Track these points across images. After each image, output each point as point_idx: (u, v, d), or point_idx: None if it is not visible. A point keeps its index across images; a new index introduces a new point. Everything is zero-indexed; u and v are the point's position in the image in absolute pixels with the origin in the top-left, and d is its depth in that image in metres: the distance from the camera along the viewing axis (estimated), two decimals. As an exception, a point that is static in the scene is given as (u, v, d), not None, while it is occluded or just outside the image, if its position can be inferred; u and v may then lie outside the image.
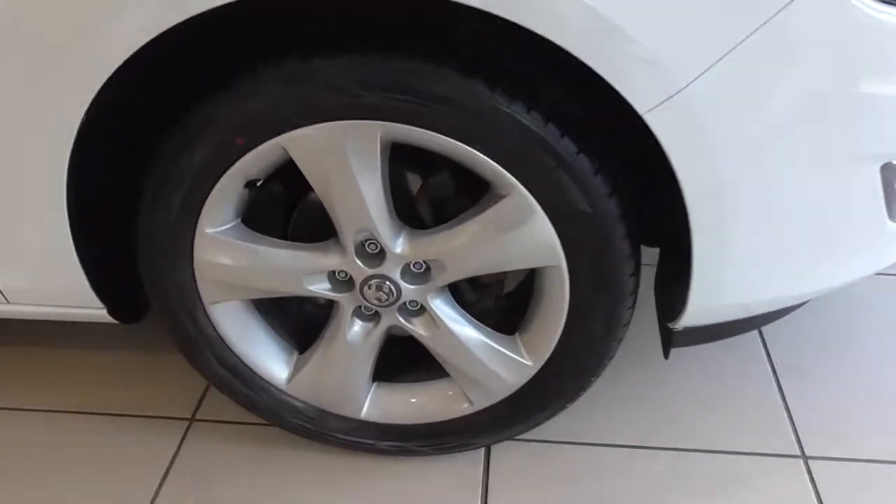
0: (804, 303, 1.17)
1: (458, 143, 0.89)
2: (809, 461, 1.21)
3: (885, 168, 0.96)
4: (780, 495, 1.16)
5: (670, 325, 1.08)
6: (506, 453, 1.23)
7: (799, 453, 1.23)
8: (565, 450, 1.23)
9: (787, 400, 1.31)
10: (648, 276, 1.13)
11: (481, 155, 0.90)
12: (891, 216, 1.01)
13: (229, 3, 0.78)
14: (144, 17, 0.80)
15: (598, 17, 0.77)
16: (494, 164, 0.90)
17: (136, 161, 1.02)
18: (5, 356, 1.45)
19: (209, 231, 1.00)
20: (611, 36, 0.78)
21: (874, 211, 0.98)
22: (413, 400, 1.17)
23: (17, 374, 1.41)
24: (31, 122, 0.88)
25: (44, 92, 0.86)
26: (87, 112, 0.86)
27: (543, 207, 0.93)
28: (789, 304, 1.12)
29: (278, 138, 0.91)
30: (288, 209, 1.09)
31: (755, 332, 1.44)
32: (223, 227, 1.01)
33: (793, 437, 1.25)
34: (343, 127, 0.89)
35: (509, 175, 0.91)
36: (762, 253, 0.98)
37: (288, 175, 1.00)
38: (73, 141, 0.89)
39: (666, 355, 1.16)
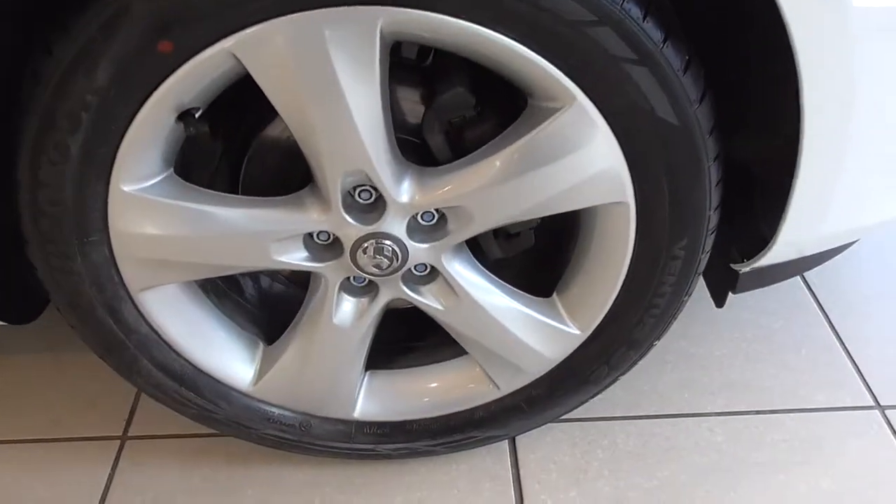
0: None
1: (492, 33, 0.61)
2: (886, 411, 1.03)
3: None
4: (864, 450, 0.97)
5: (736, 267, 0.85)
6: (536, 441, 0.98)
7: (873, 404, 1.04)
8: (607, 428, 1.00)
9: (849, 348, 1.12)
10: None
11: (526, 50, 0.62)
12: None
13: None
14: None
15: None
16: (545, 62, 0.63)
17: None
18: None
19: (127, 189, 0.69)
20: None
21: None
22: (419, 389, 0.91)
23: None
24: None
25: None
26: None
27: (610, 121, 0.66)
28: (880, 226, 0.92)
29: (226, 41, 0.60)
30: (236, 152, 0.79)
31: (799, 281, 1.24)
32: (148, 183, 0.70)
33: (863, 388, 1.06)
34: (326, 17, 0.59)
35: (566, 78, 0.64)
36: (873, 170, 0.75)
37: (234, 103, 0.71)
38: None
39: (721, 303, 0.94)
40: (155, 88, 0.63)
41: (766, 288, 0.97)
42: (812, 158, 0.70)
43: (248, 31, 0.60)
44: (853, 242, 0.99)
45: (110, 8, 0.59)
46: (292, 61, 0.62)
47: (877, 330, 1.15)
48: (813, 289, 1.22)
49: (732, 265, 0.87)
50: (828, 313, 1.18)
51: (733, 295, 0.92)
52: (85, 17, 0.60)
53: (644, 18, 0.62)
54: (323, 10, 0.59)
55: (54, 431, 1.02)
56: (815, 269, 1.02)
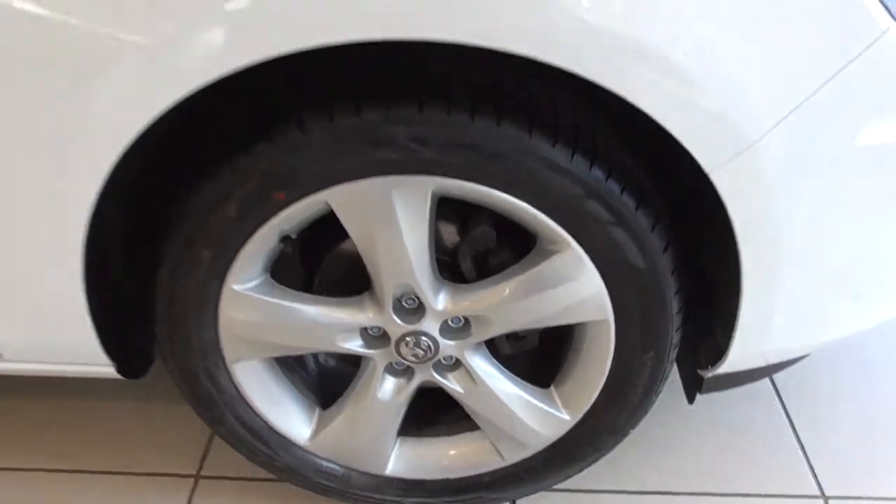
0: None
1: (513, 198, 0.85)
2: (830, 501, 1.22)
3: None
4: (806, 537, 1.16)
5: (701, 372, 1.07)
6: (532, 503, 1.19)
7: (819, 494, 1.23)
8: (592, 499, 1.21)
9: (803, 442, 1.32)
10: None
11: (537, 211, 0.86)
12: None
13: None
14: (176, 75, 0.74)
15: (671, 69, 0.74)
16: (549, 220, 0.87)
17: (151, 217, 0.95)
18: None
19: (237, 288, 0.93)
20: (683, 89, 0.76)
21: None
22: (440, 454, 1.13)
23: (6, 432, 1.30)
24: (54, 178, 0.81)
25: (67, 154, 0.79)
26: (112, 171, 0.79)
27: (596, 263, 0.90)
28: (811, 351, 1.12)
29: (323, 193, 0.85)
30: (311, 260, 1.03)
31: (766, 379, 1.45)
32: (252, 284, 0.94)
33: (811, 479, 1.25)
34: (395, 181, 0.84)
35: (563, 231, 0.88)
36: (807, 299, 0.97)
37: (313, 224, 0.95)
38: (94, 198, 0.81)
39: (691, 401, 1.15)
40: (267, 221, 0.88)
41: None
42: (751, 288, 0.91)
43: (338, 187, 0.84)
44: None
45: (245, 168, 0.84)
46: (367, 208, 0.86)
47: (831, 423, 1.35)
48: (775, 382, 1.43)
49: (698, 370, 1.08)
50: (786, 406, 1.38)
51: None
52: (227, 171, 0.85)
53: (621, 192, 0.86)
54: (392, 176, 0.84)
55: (137, 467, 1.25)
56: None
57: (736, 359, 1.01)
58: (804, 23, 0.77)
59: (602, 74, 0.74)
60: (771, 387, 1.43)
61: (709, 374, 1.06)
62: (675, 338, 0.99)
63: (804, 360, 1.29)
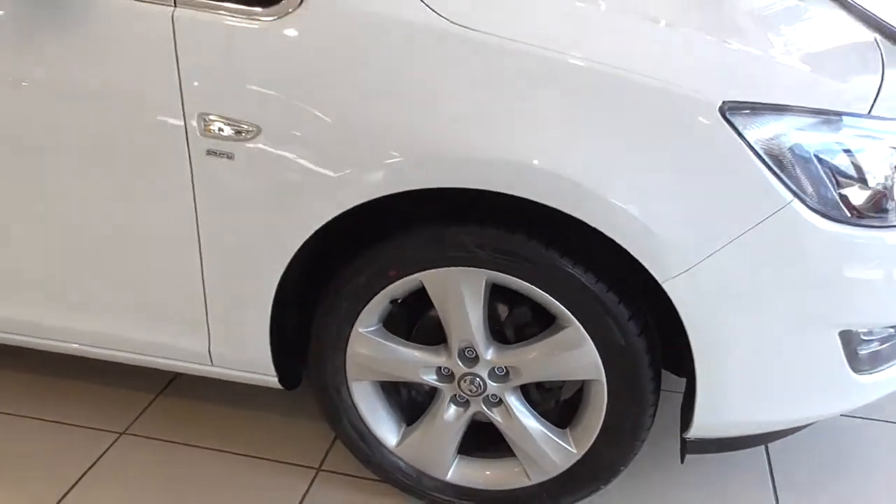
0: (806, 426, 1.50)
1: (539, 290, 1.33)
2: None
3: (844, 333, 1.34)
4: None
5: (684, 436, 1.45)
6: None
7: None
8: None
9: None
10: (677, 399, 1.51)
11: (554, 300, 1.33)
12: (854, 369, 1.38)
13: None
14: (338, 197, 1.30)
15: (634, 219, 1.21)
16: (562, 306, 1.33)
17: (314, 280, 1.50)
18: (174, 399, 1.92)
19: (361, 330, 1.46)
20: (645, 233, 1.22)
21: (836, 363, 1.36)
22: (486, 471, 1.57)
23: (178, 412, 1.88)
24: (270, 247, 1.38)
25: (277, 236, 1.36)
26: (303, 245, 1.35)
27: (592, 339, 1.35)
28: (779, 429, 1.47)
29: (418, 274, 1.37)
30: (412, 319, 1.54)
31: (762, 447, 1.77)
32: (371, 329, 1.46)
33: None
34: (463, 271, 1.34)
35: (571, 315, 1.34)
36: (749, 385, 1.35)
37: (414, 296, 1.46)
38: (287, 262, 1.37)
39: (682, 460, 1.52)
40: (383, 289, 1.40)
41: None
42: (703, 370, 1.32)
43: (428, 272, 1.36)
44: (801, 427, 1.50)
45: (373, 255, 1.38)
46: (445, 287, 1.37)
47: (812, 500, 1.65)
48: (769, 452, 1.74)
49: (682, 434, 1.47)
50: (774, 476, 1.69)
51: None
52: (362, 257, 1.39)
53: (608, 290, 1.31)
54: (461, 267, 1.34)
55: (268, 454, 1.76)
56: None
57: (702, 426, 1.40)
58: (726, 194, 1.23)
59: (594, 219, 1.22)
60: (764, 456, 1.75)
61: (687, 436, 1.44)
62: (652, 398, 1.40)
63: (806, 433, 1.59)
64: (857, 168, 1.31)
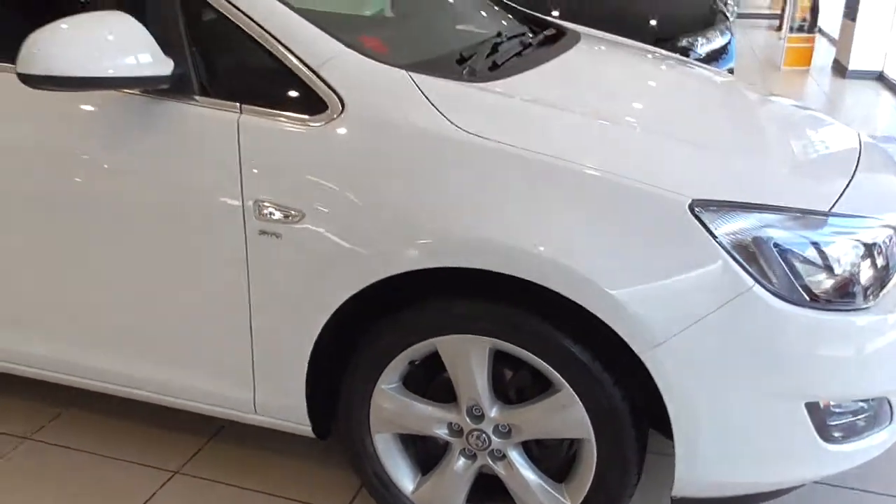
0: (789, 490, 1.63)
1: (535, 356, 1.54)
2: None
3: (811, 404, 1.51)
4: None
5: (671, 494, 1.62)
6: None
7: None
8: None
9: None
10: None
11: (548, 366, 1.53)
12: (824, 438, 1.54)
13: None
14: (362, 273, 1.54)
15: (616, 300, 1.42)
16: (555, 372, 1.53)
17: (343, 342, 1.73)
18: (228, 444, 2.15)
19: (383, 387, 1.68)
20: (625, 312, 1.42)
21: (805, 432, 1.52)
22: (491, 519, 1.75)
23: (226, 455, 2.10)
24: (308, 312, 1.62)
25: (314, 302, 1.61)
26: (336, 310, 1.59)
27: (581, 401, 1.54)
28: (757, 492, 1.62)
29: (432, 339, 1.59)
30: (428, 379, 1.75)
31: None
32: (391, 386, 1.68)
33: None
34: (470, 339, 1.56)
35: (563, 379, 1.53)
36: (722, 448, 1.52)
37: (431, 358, 1.68)
38: (322, 325, 1.61)
39: (671, 517, 1.68)
40: (403, 351, 1.63)
41: None
42: (679, 432, 1.49)
43: (439, 338, 1.58)
44: (783, 491, 1.65)
45: (395, 323, 1.61)
46: (455, 352, 1.59)
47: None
48: None
49: (671, 492, 1.63)
50: None
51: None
52: (385, 324, 1.63)
53: (593, 360, 1.51)
54: (469, 335, 1.56)
55: (302, 496, 1.97)
56: None
57: (683, 485, 1.57)
58: (694, 279, 1.43)
59: (584, 300, 1.44)
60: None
61: (673, 495, 1.61)
62: (637, 456, 1.57)
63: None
64: (821, 258, 1.50)
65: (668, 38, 4.87)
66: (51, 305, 1.86)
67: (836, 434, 1.57)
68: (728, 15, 5.42)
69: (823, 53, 8.63)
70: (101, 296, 1.80)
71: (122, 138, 1.66)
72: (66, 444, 2.16)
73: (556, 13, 5.16)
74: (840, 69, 7.73)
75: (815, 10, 7.97)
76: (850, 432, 1.60)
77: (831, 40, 9.36)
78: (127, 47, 1.53)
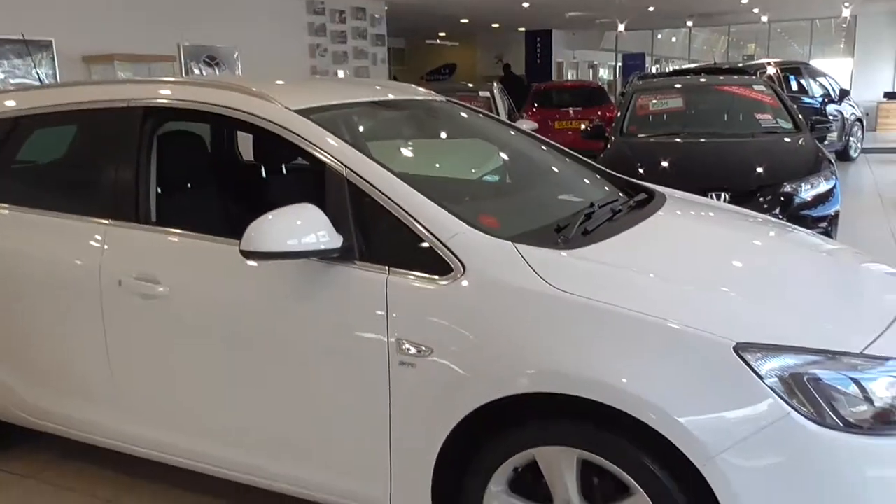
0: None
1: (615, 466, 1.92)
2: None
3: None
4: None
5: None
6: None
7: None
8: None
9: None
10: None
11: (626, 473, 1.91)
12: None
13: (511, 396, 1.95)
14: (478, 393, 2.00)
15: (681, 426, 1.80)
16: (631, 479, 1.90)
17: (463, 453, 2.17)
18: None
19: (493, 488, 2.09)
20: (687, 435, 1.80)
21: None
22: None
23: None
24: (435, 426, 2.09)
25: (440, 418, 2.07)
26: (457, 425, 2.05)
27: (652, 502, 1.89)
28: None
29: (532, 450, 2.01)
30: (532, 484, 2.14)
31: None
32: (500, 488, 2.10)
33: None
34: (561, 449, 1.97)
35: (640, 488, 1.90)
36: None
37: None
38: (445, 437, 2.07)
39: None
40: (508, 459, 2.05)
41: None
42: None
43: (535, 449, 2.00)
44: None
45: (500, 440, 2.04)
46: (548, 460, 1.99)
47: None
48: None
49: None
50: None
51: None
52: (492, 441, 2.06)
53: (661, 469, 1.87)
54: (559, 447, 1.97)
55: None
56: None
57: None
58: (737, 407, 1.79)
59: (657, 425, 1.82)
60: None
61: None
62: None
63: None
64: (860, 390, 1.83)
65: (773, 184, 5.23)
66: (247, 417, 2.42)
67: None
68: (832, 161, 5.69)
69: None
70: (285, 409, 2.35)
71: (308, 292, 2.25)
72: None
73: (665, 163, 5.66)
74: (969, 204, 7.66)
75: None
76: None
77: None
78: (310, 229, 2.14)
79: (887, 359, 1.89)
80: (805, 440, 1.77)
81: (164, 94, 2.66)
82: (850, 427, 1.79)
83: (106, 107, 2.72)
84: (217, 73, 8.37)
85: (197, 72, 8.30)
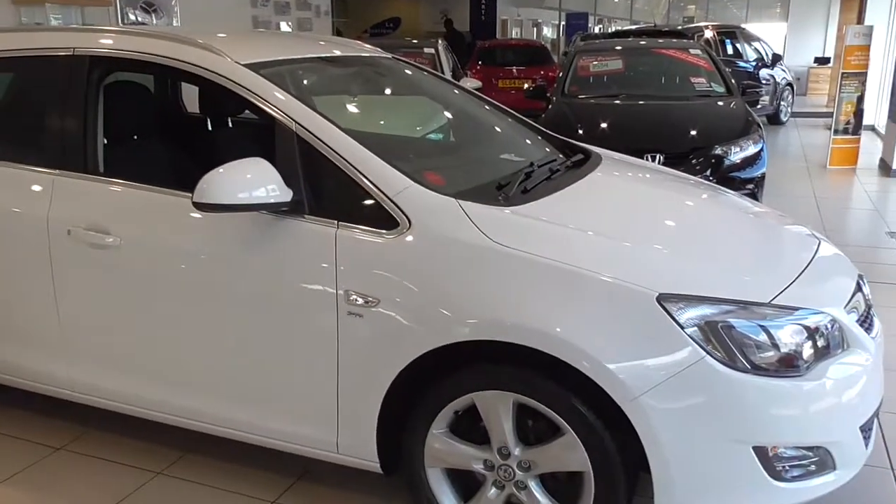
0: None
1: (546, 408, 2.08)
2: None
3: (758, 448, 1.99)
4: None
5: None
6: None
7: None
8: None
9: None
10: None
11: (557, 415, 2.07)
12: (773, 477, 2.01)
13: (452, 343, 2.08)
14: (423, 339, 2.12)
15: (606, 368, 1.96)
16: (562, 420, 2.07)
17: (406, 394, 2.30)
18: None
19: (434, 431, 2.23)
20: (611, 377, 1.96)
21: (756, 471, 2.00)
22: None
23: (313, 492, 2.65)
24: (381, 372, 2.21)
25: (385, 364, 2.19)
26: (401, 371, 2.18)
27: (581, 442, 2.06)
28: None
29: (471, 394, 2.15)
30: (469, 423, 2.29)
31: None
32: (441, 431, 2.24)
33: None
34: (499, 394, 2.12)
35: (570, 427, 2.06)
36: (690, 483, 2.01)
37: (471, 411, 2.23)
38: (390, 382, 2.20)
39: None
40: (449, 404, 2.18)
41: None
42: (657, 471, 1.99)
43: (476, 393, 2.14)
44: None
45: (442, 385, 2.18)
46: (487, 404, 2.14)
47: None
48: None
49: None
50: None
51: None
52: (434, 385, 2.20)
53: (589, 409, 2.04)
54: (495, 391, 2.12)
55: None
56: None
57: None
58: (658, 352, 1.96)
59: (586, 368, 1.98)
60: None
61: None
62: (625, 486, 2.07)
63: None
64: (768, 337, 2.01)
65: (704, 146, 5.46)
66: (199, 366, 2.50)
67: (785, 475, 2.04)
68: (761, 125, 5.96)
69: (876, 152, 8.96)
70: (235, 358, 2.43)
71: (258, 245, 2.32)
72: (192, 479, 2.76)
73: (603, 125, 5.83)
74: (886, 168, 8.10)
75: (858, 113, 8.42)
76: (799, 474, 2.06)
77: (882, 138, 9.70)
78: (260, 182, 2.20)
79: (795, 308, 2.09)
80: (717, 381, 1.95)
81: (112, 45, 2.65)
82: (757, 370, 1.99)
83: (50, 55, 2.70)
84: (154, 20, 8.12)
85: (133, 18, 8.03)
